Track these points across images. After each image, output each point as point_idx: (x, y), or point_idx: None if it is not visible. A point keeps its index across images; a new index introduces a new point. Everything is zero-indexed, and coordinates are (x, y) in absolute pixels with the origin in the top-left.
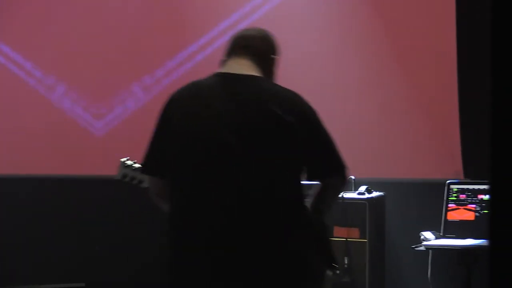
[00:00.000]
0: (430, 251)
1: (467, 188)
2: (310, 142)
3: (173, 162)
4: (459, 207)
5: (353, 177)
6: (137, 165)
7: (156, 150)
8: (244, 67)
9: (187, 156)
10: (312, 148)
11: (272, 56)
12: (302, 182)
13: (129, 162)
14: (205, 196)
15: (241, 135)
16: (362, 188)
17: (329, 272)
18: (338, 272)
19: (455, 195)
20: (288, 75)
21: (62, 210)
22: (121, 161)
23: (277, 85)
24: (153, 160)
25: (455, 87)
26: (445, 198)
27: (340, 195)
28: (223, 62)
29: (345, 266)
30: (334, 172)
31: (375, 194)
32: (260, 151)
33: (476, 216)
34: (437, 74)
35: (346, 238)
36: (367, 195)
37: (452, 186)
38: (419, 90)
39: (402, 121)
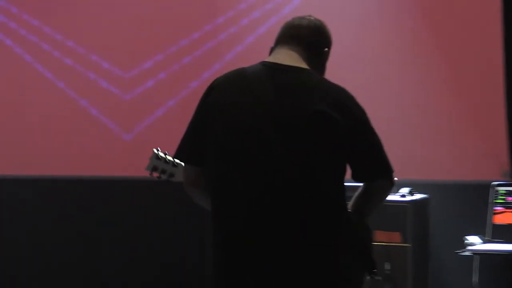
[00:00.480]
0: (476, 256)
1: None
2: (356, 141)
3: (209, 150)
4: (507, 210)
5: (395, 178)
6: (169, 158)
7: (193, 136)
8: (292, 58)
9: (222, 145)
10: (359, 148)
11: (324, 49)
12: (343, 182)
13: (161, 154)
14: (235, 187)
15: (281, 128)
16: (405, 190)
17: (367, 277)
18: (376, 277)
19: (502, 197)
20: (328, 74)
21: (77, 211)
22: (153, 152)
23: (325, 79)
24: (189, 146)
25: (501, 85)
26: (490, 200)
27: (385, 199)
28: (271, 50)
29: (387, 272)
30: (380, 174)
31: (418, 196)
32: (299, 146)
33: None
34: (482, 73)
35: (387, 243)
36: (409, 198)
37: (498, 188)
38: (463, 89)
39: (447, 121)
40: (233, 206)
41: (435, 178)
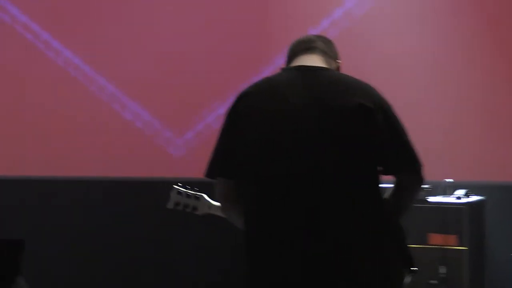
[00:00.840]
0: None
1: None
2: (387, 132)
3: (248, 160)
4: None
5: (451, 180)
6: (190, 192)
7: (223, 149)
8: (314, 61)
9: (266, 154)
10: (389, 139)
11: (336, 59)
12: (379, 179)
13: (182, 189)
14: (286, 193)
15: (323, 128)
16: (461, 192)
17: (407, 278)
18: (414, 274)
19: None
20: (388, 75)
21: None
22: (174, 188)
23: (349, 75)
24: (219, 160)
25: None
26: None
27: (416, 196)
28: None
29: (442, 275)
30: (408, 166)
31: (474, 198)
32: (345, 145)
33: None
34: None
35: (442, 246)
36: (465, 200)
37: None
38: None
39: (504, 122)
40: (271, 206)
41: (491, 180)
